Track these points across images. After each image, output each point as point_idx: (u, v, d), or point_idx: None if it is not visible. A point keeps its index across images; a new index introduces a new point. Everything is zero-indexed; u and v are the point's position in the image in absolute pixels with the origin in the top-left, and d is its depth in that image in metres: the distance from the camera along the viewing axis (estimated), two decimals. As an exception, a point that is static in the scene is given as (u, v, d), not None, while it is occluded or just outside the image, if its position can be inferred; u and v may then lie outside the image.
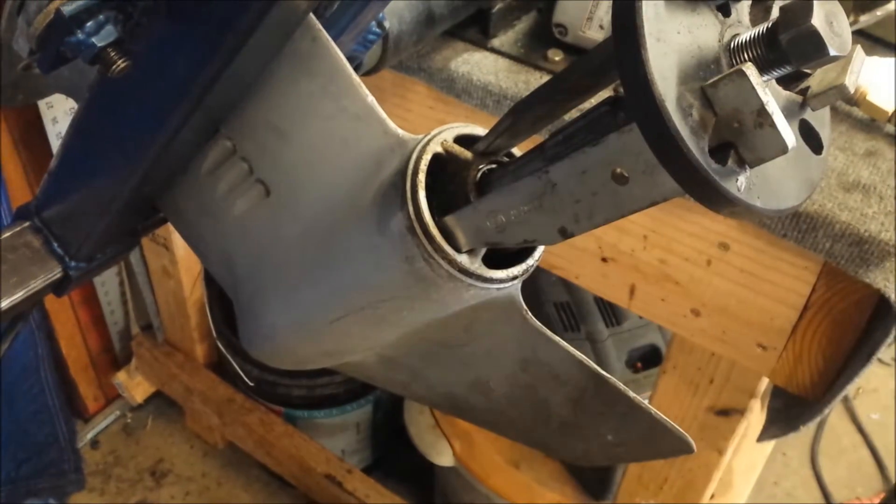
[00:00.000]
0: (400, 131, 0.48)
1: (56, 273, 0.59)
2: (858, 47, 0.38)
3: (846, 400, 1.97)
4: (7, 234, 0.58)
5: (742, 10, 0.38)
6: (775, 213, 0.36)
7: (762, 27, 0.35)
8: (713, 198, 0.34)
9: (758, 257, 0.73)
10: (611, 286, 0.84)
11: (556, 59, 0.77)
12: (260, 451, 1.61)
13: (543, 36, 0.78)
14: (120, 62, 0.44)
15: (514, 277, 0.48)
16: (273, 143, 0.51)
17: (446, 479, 1.52)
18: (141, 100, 0.47)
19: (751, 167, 0.34)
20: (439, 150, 0.47)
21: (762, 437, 0.83)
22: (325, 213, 0.51)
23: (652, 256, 0.79)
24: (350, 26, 0.56)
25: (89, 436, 1.78)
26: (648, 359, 1.23)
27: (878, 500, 1.79)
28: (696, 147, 0.33)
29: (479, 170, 0.47)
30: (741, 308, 0.76)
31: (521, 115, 0.44)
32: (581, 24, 0.74)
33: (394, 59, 0.70)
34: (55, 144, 1.35)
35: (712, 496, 1.00)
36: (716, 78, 0.33)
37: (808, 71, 0.38)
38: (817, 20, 0.33)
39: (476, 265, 0.46)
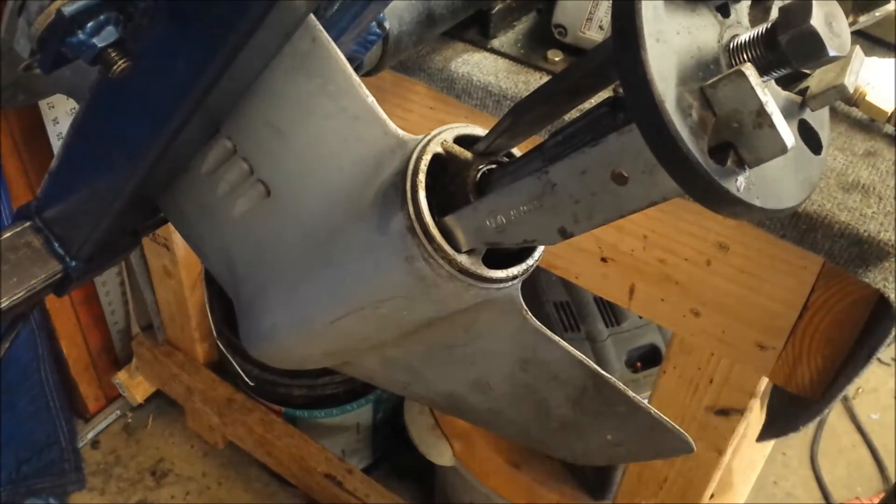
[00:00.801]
0: (400, 131, 0.48)
1: (57, 273, 0.59)
2: (857, 48, 0.38)
3: (846, 400, 1.97)
4: (8, 234, 0.58)
5: (741, 11, 0.38)
6: (775, 213, 0.36)
7: (761, 28, 0.35)
8: (713, 198, 0.34)
9: (758, 257, 0.73)
10: (611, 286, 0.84)
11: (556, 59, 0.77)
12: (260, 451, 1.61)
13: (543, 36, 0.78)
14: (121, 63, 0.44)
15: (514, 277, 0.48)
16: (273, 143, 0.51)
17: (446, 479, 1.52)
18: (142, 100, 0.47)
19: (750, 167, 0.34)
20: (439, 150, 0.47)
21: (762, 437, 0.83)
22: (325, 213, 0.51)
23: (652, 256, 0.79)
24: (350, 27, 0.56)
25: (90, 435, 1.78)
26: (648, 359, 1.23)
27: (877, 500, 1.79)
28: (696, 147, 0.33)
29: (478, 170, 0.47)
30: (741, 308, 0.76)
31: (520, 115, 0.45)
32: (581, 24, 0.74)
33: (394, 60, 0.70)
34: (56, 145, 1.35)
35: (712, 496, 1.00)
36: (715, 78, 0.33)
37: (807, 71, 0.38)
38: (816, 21, 0.33)
39: (476, 265, 0.46)
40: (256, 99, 0.50)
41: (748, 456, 1.29)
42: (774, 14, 0.39)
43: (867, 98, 0.69)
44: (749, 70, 0.32)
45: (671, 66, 0.33)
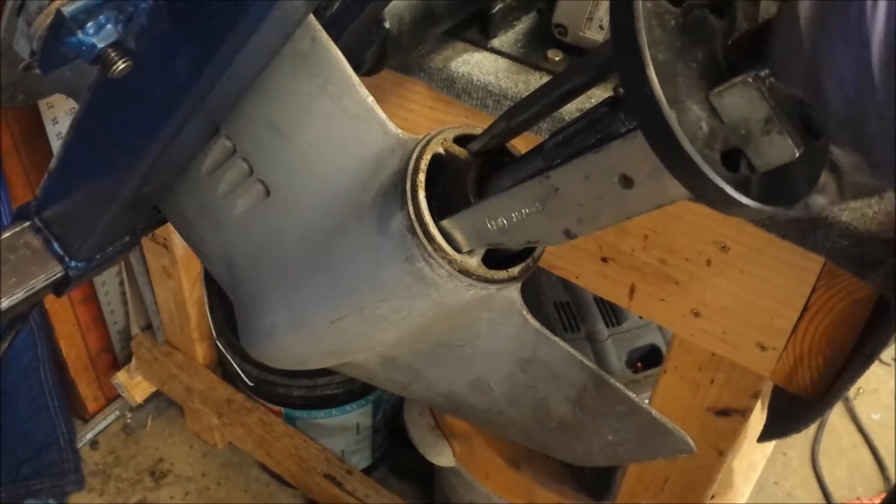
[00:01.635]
0: (400, 131, 0.48)
1: (56, 273, 0.59)
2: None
3: (846, 400, 1.97)
4: (7, 234, 0.58)
5: (742, 13, 0.38)
6: (787, 210, 0.36)
7: (759, 27, 0.35)
8: (726, 204, 0.34)
9: (758, 257, 0.73)
10: (611, 286, 0.84)
11: (556, 59, 0.77)
12: (260, 451, 1.61)
13: (543, 36, 0.78)
14: (120, 63, 0.44)
15: (514, 278, 0.48)
16: (273, 143, 0.51)
17: (446, 479, 1.52)
18: (141, 100, 0.47)
19: (759, 171, 0.34)
20: (439, 150, 0.47)
21: (762, 438, 0.83)
22: (325, 213, 0.51)
23: (652, 256, 0.79)
24: (350, 26, 0.56)
25: (89, 436, 1.78)
26: (648, 359, 1.23)
27: (878, 501, 1.79)
28: (709, 160, 0.32)
29: (478, 170, 0.47)
30: (741, 308, 0.76)
31: (515, 117, 0.45)
32: (581, 24, 0.74)
33: (394, 60, 0.70)
34: (56, 145, 1.35)
35: (713, 496, 1.00)
36: (721, 88, 0.33)
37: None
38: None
39: (476, 265, 0.46)
40: (256, 99, 0.50)
41: (749, 456, 1.29)
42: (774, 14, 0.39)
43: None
44: (754, 79, 0.32)
45: (676, 80, 0.33)
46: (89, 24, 0.42)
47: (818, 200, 0.52)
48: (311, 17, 0.47)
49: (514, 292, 0.50)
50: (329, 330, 0.52)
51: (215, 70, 0.44)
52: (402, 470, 1.73)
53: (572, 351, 0.53)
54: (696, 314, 0.79)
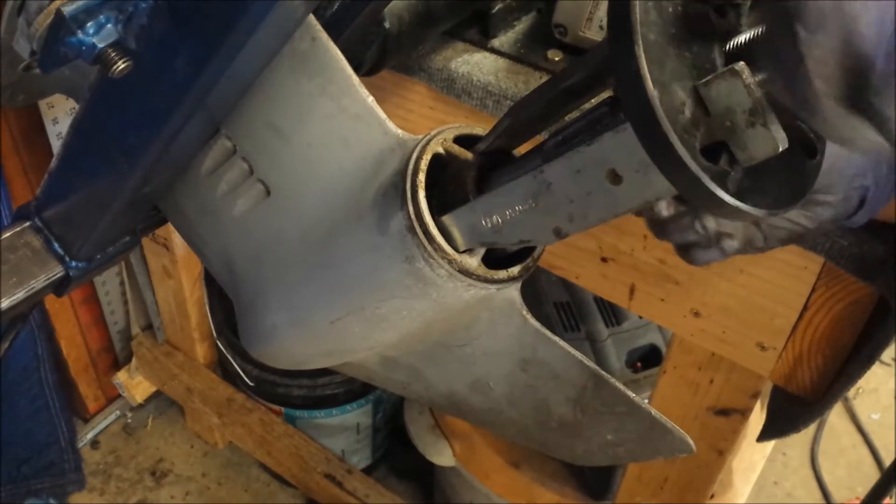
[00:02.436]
0: (400, 131, 0.48)
1: (56, 273, 0.59)
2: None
3: (846, 400, 1.97)
4: (7, 234, 0.58)
5: (739, 12, 0.38)
6: (765, 215, 0.36)
7: (759, 29, 0.35)
8: (704, 197, 0.34)
9: (758, 257, 0.73)
10: (611, 286, 0.84)
11: (556, 59, 0.77)
12: (260, 451, 1.61)
13: (543, 36, 0.78)
14: (120, 62, 0.44)
15: (514, 277, 0.48)
16: (273, 142, 0.51)
17: (446, 479, 1.52)
18: (141, 100, 0.47)
19: (742, 166, 0.34)
20: (439, 150, 0.47)
21: (762, 438, 0.83)
22: (325, 212, 0.51)
23: (652, 256, 0.79)
24: (350, 26, 0.56)
25: (89, 436, 1.78)
26: (648, 359, 1.23)
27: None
28: (687, 145, 0.33)
29: (478, 170, 0.47)
30: (741, 308, 0.76)
31: (518, 115, 0.45)
32: (581, 24, 0.74)
33: (394, 59, 0.70)
34: (56, 145, 1.35)
35: (712, 496, 1.00)
36: (708, 77, 0.33)
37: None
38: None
39: (476, 265, 0.46)
40: (256, 99, 0.50)
41: (748, 456, 1.29)
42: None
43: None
44: (742, 69, 0.32)
45: (665, 63, 0.33)
46: (89, 24, 0.42)
47: (732, 245, 0.53)
48: (311, 17, 0.47)
49: (514, 292, 0.50)
50: (329, 330, 0.52)
51: (215, 70, 0.44)
52: (402, 470, 1.73)
53: (572, 351, 0.53)
54: (696, 314, 0.79)
